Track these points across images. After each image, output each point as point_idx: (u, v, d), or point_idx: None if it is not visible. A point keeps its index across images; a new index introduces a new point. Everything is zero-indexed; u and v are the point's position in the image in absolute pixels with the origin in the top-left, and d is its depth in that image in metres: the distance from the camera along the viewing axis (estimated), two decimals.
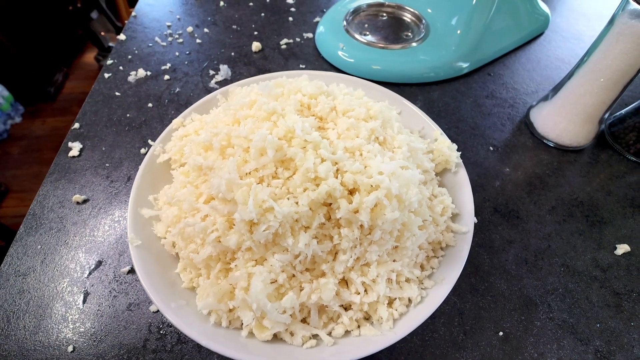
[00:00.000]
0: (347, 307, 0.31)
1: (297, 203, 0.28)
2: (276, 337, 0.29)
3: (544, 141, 0.50)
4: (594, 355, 0.34)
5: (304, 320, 0.30)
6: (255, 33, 0.65)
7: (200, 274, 0.31)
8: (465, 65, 0.58)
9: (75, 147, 0.47)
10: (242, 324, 0.28)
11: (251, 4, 0.72)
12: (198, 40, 0.63)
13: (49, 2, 1.66)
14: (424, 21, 0.62)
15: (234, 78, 0.57)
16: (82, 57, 1.97)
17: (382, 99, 0.41)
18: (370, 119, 0.35)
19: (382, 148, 0.33)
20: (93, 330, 0.34)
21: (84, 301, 0.35)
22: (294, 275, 0.29)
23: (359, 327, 0.30)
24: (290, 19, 0.69)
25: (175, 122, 0.40)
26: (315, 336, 0.29)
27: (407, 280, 0.31)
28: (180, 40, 0.63)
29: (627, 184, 0.47)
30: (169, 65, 0.59)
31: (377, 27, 0.63)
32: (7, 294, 0.35)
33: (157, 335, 0.34)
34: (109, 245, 0.39)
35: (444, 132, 0.40)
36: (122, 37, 0.63)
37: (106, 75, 0.57)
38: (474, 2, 0.57)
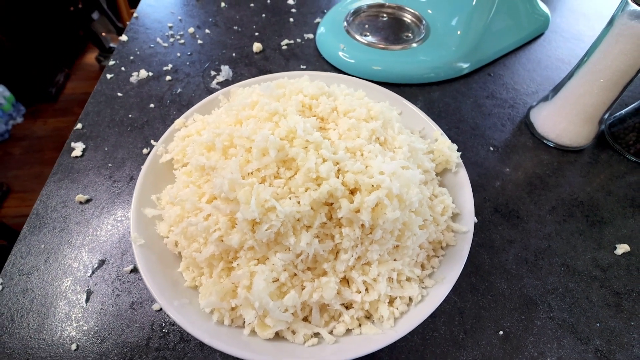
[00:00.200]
0: (348, 306, 0.31)
1: (298, 203, 0.28)
2: (278, 336, 0.29)
3: (544, 141, 0.50)
4: (594, 355, 0.34)
5: (305, 319, 0.30)
6: (256, 34, 0.66)
7: (203, 273, 0.31)
8: (465, 65, 0.58)
9: (78, 148, 0.47)
10: (245, 322, 0.29)
11: (252, 5, 0.72)
12: (199, 41, 0.64)
13: (50, 3, 1.66)
14: (424, 22, 0.62)
15: (235, 79, 0.58)
16: (83, 58, 1.97)
17: (382, 100, 0.42)
18: (371, 120, 0.35)
19: (382, 148, 0.33)
20: (96, 328, 0.34)
21: (87, 300, 0.35)
22: (295, 274, 0.29)
23: (360, 325, 0.30)
24: (291, 19, 0.69)
25: (178, 122, 0.40)
26: (316, 334, 0.29)
27: (408, 279, 0.31)
28: (182, 41, 0.64)
29: (627, 184, 0.47)
30: (170, 66, 0.59)
31: (377, 28, 0.63)
32: (11, 292, 0.36)
33: (159, 334, 0.34)
34: (111, 244, 0.39)
35: (445, 132, 0.40)
36: (124, 38, 0.64)
37: (108, 76, 0.57)
38: (474, 2, 0.57)
